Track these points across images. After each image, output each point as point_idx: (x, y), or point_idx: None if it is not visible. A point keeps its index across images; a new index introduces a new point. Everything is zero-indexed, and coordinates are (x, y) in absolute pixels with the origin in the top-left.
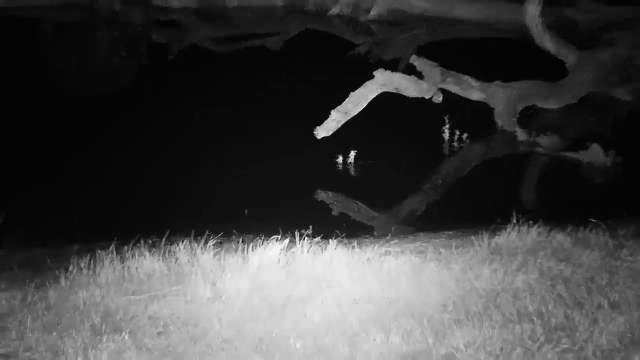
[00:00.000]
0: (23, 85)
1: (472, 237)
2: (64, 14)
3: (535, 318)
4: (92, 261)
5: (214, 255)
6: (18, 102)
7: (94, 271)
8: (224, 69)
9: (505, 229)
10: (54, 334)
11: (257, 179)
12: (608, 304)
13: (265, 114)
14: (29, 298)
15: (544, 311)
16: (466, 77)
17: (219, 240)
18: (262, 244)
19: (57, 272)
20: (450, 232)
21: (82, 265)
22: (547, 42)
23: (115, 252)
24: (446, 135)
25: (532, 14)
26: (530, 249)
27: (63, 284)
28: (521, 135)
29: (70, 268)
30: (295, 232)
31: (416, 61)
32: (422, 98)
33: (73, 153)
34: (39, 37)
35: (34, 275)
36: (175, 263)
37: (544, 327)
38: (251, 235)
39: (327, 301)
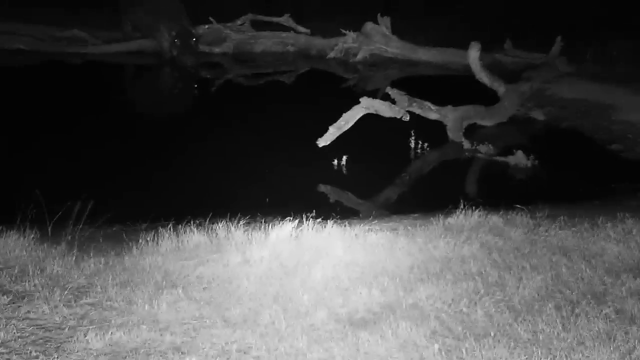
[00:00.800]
0: (116, 108)
1: (431, 218)
2: (139, 59)
3: (477, 277)
4: (155, 236)
5: (244, 231)
6: (111, 121)
7: (157, 243)
8: (252, 96)
9: (455, 212)
10: (128, 288)
11: (274, 176)
12: (530, 266)
13: (281, 129)
14: (110, 262)
15: (483, 272)
16: (426, 103)
17: (247, 221)
18: (279, 223)
19: (130, 243)
20: (415, 215)
21: (148, 238)
22: (484, 77)
23: (172, 229)
24: (412, 144)
25: (474, 57)
26: (473, 227)
27: (134, 252)
28: (466, 144)
29: (140, 240)
30: (303, 215)
31: (390, 91)
32: (395, 118)
33: (146, 157)
34: (124, 75)
35: (113, 245)
36: (215, 237)
37: (484, 284)
38: (270, 217)
39: (326, 265)
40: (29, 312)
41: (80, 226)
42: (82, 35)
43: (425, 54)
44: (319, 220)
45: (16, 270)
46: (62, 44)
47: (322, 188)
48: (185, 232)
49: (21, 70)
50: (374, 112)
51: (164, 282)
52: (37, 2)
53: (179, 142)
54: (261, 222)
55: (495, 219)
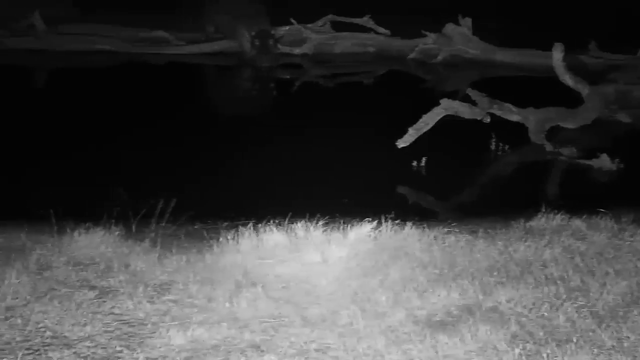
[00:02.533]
0: (196, 108)
1: (512, 221)
2: (219, 60)
3: (558, 282)
4: (236, 234)
5: (323, 231)
6: (192, 121)
7: (237, 241)
8: (330, 97)
9: (537, 215)
10: (208, 286)
11: (353, 176)
12: (613, 271)
13: (359, 130)
14: (191, 260)
15: (565, 277)
16: (507, 105)
17: (326, 221)
18: (357, 224)
19: (211, 241)
20: (495, 217)
21: (229, 237)
22: (567, 79)
23: (252, 228)
24: (492, 146)
25: (557, 58)
26: (555, 230)
27: (215, 250)
28: (548, 147)
29: (220, 239)
30: (382, 216)
31: (471, 92)
32: (475, 119)
33: (226, 156)
34: (204, 75)
35: (195, 243)
36: (294, 237)
37: (565, 289)
38: (349, 218)
39: (404, 266)
40: (113, 307)
41: (163, 224)
42: (165, 37)
43: (505, 55)
44: (397, 221)
45: (102, 266)
46: (146, 45)
47: (401, 189)
48: (265, 231)
49: (106, 70)
50: (454, 114)
51: (244, 281)
52: (122, 4)
53: (258, 142)
54: (340, 222)
55: (577, 223)
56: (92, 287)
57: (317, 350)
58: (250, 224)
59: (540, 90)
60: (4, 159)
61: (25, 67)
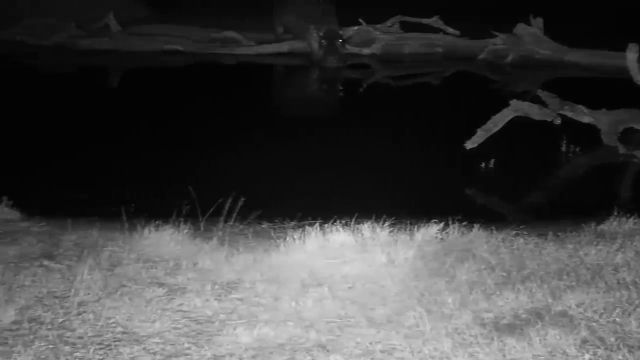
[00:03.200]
0: (264, 108)
1: (583, 224)
2: (288, 60)
3: (631, 287)
4: (302, 234)
5: (389, 232)
6: (259, 121)
7: (304, 241)
8: (398, 97)
9: (608, 218)
10: (275, 285)
11: (421, 177)
12: None
13: (428, 130)
14: (258, 259)
15: (637, 281)
16: (579, 106)
17: (392, 222)
18: (424, 225)
19: (278, 241)
20: (566, 220)
21: (295, 237)
22: None
23: (318, 228)
24: (563, 147)
25: (631, 59)
26: (627, 234)
27: (282, 249)
28: (621, 149)
29: (287, 238)
30: (449, 217)
31: (541, 93)
32: (545, 121)
33: (293, 156)
34: (273, 75)
35: (261, 242)
36: (361, 237)
37: (638, 294)
38: (416, 219)
39: (471, 268)
40: (182, 304)
41: (231, 222)
42: (235, 37)
43: (577, 56)
44: (464, 223)
45: (171, 264)
46: (217, 45)
47: (469, 191)
48: (331, 231)
49: (178, 70)
50: (524, 115)
51: (310, 280)
52: (194, 6)
53: (325, 142)
54: (406, 223)
55: None
56: (161, 285)
57: (382, 352)
58: (317, 224)
59: (612, 91)
60: (78, 157)
61: (100, 67)
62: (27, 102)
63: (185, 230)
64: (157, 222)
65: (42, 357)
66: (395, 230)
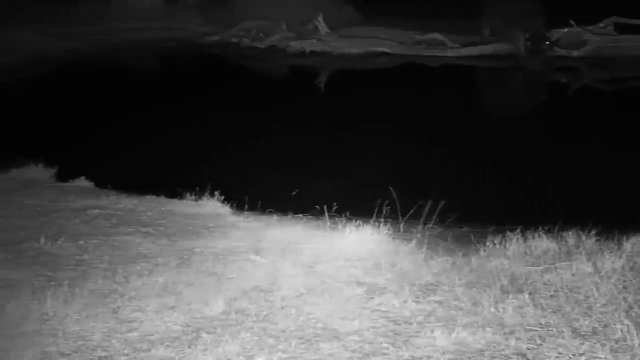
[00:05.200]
0: (468, 110)
1: None
2: (492, 62)
3: None
4: (503, 239)
5: (595, 240)
6: (463, 122)
7: (504, 246)
8: (608, 103)
9: None
10: (474, 289)
11: (629, 185)
12: None
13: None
14: (457, 262)
15: None
16: None
17: (598, 230)
18: (634, 234)
19: (477, 245)
20: None
21: (496, 241)
22: None
23: (520, 234)
24: None
25: None
26: None
27: (481, 254)
28: None
29: (487, 243)
30: None
31: None
32: None
33: (497, 160)
34: (478, 78)
35: (460, 246)
36: (564, 244)
37: None
38: (623, 228)
39: None
40: (380, 304)
41: (431, 225)
42: (441, 39)
43: None
44: None
45: (370, 264)
46: (422, 47)
47: None
48: (533, 237)
49: (383, 72)
50: None
51: (510, 287)
52: (401, 8)
53: (526, 146)
54: (614, 232)
55: None
56: (361, 283)
57: None
58: (518, 230)
59: None
60: (284, 156)
61: (308, 68)
62: (241, 101)
63: (385, 231)
64: (357, 222)
65: (247, 347)
66: (602, 239)
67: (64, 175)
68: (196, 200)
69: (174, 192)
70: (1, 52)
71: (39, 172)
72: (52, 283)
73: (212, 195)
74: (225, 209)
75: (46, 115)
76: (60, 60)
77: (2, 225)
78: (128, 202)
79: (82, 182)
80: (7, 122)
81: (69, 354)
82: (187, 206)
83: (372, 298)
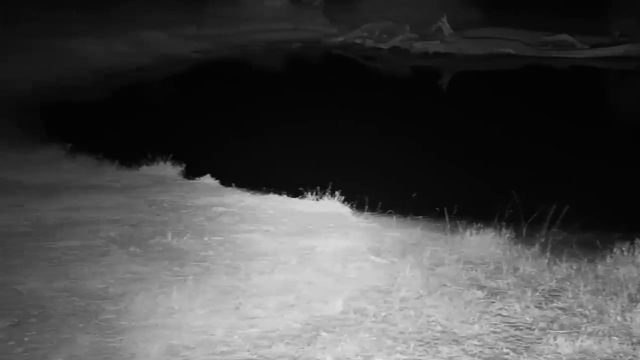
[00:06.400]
0: (594, 113)
1: None
2: (620, 64)
3: None
4: (631, 246)
5: None
6: (589, 125)
7: (632, 254)
8: None
9: None
10: (600, 297)
11: None
12: None
13: None
14: (582, 269)
15: None
16: None
17: None
18: None
19: (603, 251)
20: None
21: (623, 248)
22: None
23: None
24: None
25: None
26: None
27: (608, 261)
28: None
29: (614, 249)
30: None
31: None
32: None
33: (622, 165)
34: (605, 80)
35: (586, 252)
36: None
37: None
38: None
39: None
40: (501, 309)
41: (555, 229)
42: (569, 40)
43: None
44: None
45: (491, 267)
46: (549, 48)
47: None
48: None
49: (507, 73)
50: None
51: (639, 295)
52: (527, 8)
53: None
54: None
55: None
56: (481, 287)
57: None
58: None
59: None
60: (409, 158)
61: (431, 69)
62: (364, 102)
63: (507, 235)
64: (478, 225)
65: (365, 347)
66: None
67: (191, 172)
68: (317, 199)
69: (296, 191)
70: (136, 53)
71: (168, 170)
72: (178, 278)
73: (332, 195)
74: (346, 209)
75: (176, 113)
76: (190, 60)
77: (132, 220)
78: (251, 201)
79: (208, 179)
80: (140, 119)
81: (193, 348)
82: (308, 205)
83: (493, 302)
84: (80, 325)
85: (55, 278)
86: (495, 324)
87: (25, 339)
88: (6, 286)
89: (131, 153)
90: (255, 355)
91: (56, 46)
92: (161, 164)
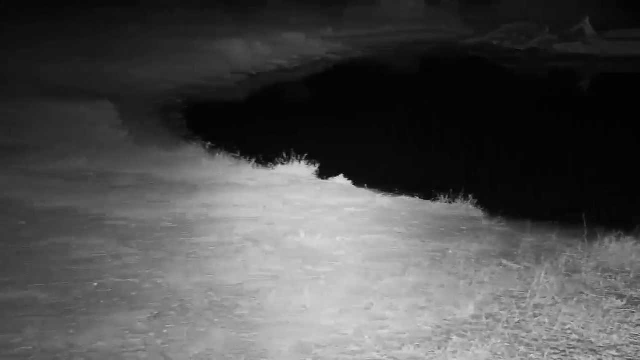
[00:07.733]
0: None
1: None
2: None
3: None
4: None
5: None
6: None
7: None
8: None
9: None
10: None
11: None
12: None
13: None
14: None
15: None
16: None
17: None
18: None
19: None
20: None
21: None
22: None
23: None
24: None
25: None
26: None
27: None
28: None
29: None
30: None
31: None
32: None
33: None
34: None
35: None
36: None
37: None
38: None
39: None
40: None
41: None
42: None
43: None
44: None
45: (631, 276)
46: None
47: None
48: None
49: None
50: None
51: None
52: None
53: None
54: None
55: None
56: (620, 296)
57: None
58: None
59: None
60: (539, 161)
61: (570, 71)
62: (497, 103)
63: None
64: (618, 232)
65: (497, 353)
66: None
67: (324, 172)
68: (449, 202)
69: (428, 193)
70: (276, 54)
71: (302, 169)
72: (310, 276)
73: (465, 198)
74: (479, 213)
75: (311, 113)
76: (326, 61)
77: (267, 218)
78: (382, 202)
79: (341, 180)
80: (277, 119)
81: (324, 347)
82: (440, 208)
83: (633, 312)
84: (216, 319)
85: (192, 273)
86: (635, 334)
87: (164, 331)
88: (149, 279)
89: (267, 152)
90: (385, 357)
91: (200, 47)
92: (296, 163)
